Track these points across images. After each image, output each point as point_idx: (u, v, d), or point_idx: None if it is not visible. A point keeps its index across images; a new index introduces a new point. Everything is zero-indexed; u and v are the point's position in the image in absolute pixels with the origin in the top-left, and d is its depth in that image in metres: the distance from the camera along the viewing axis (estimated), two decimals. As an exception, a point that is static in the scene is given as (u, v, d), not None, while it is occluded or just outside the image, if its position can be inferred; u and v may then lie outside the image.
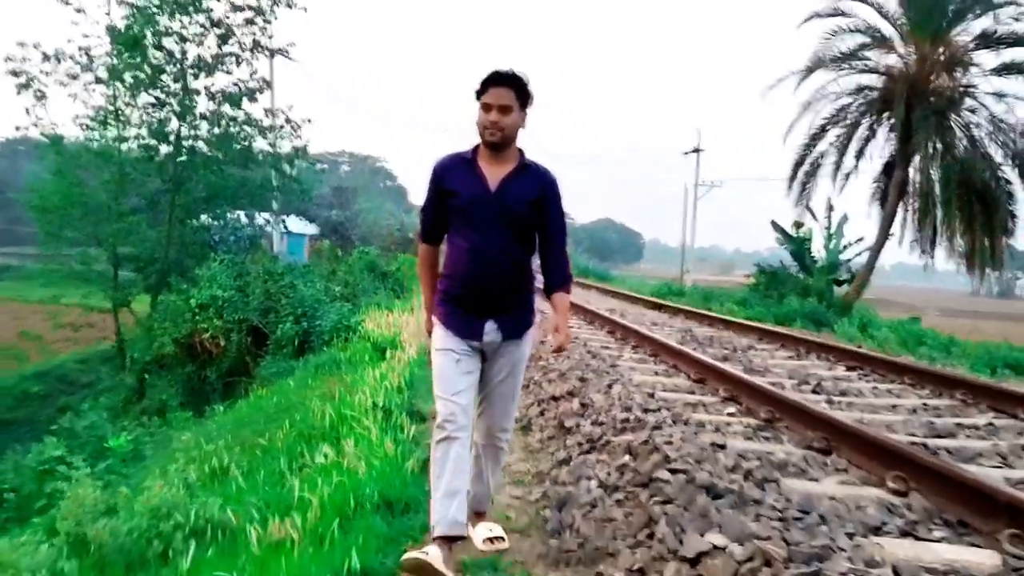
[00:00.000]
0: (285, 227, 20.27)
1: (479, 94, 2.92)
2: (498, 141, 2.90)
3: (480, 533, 3.15)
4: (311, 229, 42.48)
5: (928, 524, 3.15)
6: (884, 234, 20.17)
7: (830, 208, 21.55)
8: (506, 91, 2.88)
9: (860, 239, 21.64)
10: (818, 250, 22.12)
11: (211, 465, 5.09)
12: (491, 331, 2.99)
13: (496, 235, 2.92)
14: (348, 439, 4.59)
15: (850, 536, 2.89)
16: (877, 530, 3.03)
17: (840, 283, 21.32)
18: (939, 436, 4.95)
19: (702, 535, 2.87)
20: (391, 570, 3.17)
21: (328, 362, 9.82)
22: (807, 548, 2.61)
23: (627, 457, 4.07)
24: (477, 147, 3.00)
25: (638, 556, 2.98)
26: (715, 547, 2.76)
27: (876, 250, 20.27)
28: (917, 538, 2.98)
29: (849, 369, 7.96)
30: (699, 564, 2.73)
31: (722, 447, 4.16)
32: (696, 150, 46.15)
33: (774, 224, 22.02)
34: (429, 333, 3.16)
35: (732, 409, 5.42)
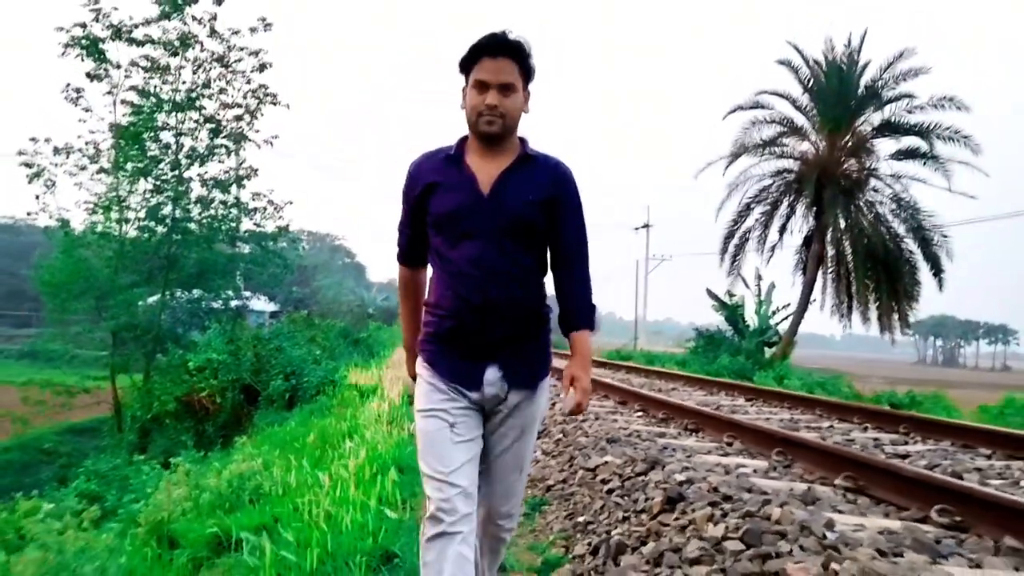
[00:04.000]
0: (271, 300, 22.04)
1: (467, 66, 2.22)
2: (498, 132, 2.21)
3: None
4: (271, 307, 43.83)
5: (739, 455, 5.16)
6: (805, 301, 22.58)
7: (759, 278, 23.96)
8: (508, 63, 2.18)
9: (787, 305, 24.02)
10: (750, 316, 24.43)
11: (256, 464, 6.88)
12: (494, 379, 2.26)
13: (494, 249, 2.21)
14: (367, 431, 6.47)
15: (687, 456, 4.87)
16: (705, 454, 5.02)
17: (770, 345, 23.59)
18: (783, 430, 6.96)
19: (600, 458, 4.83)
20: (404, 499, 5.03)
21: (321, 408, 11.61)
22: (656, 455, 4.59)
23: (560, 435, 6.03)
24: (463, 140, 2.31)
25: (562, 475, 4.93)
26: (606, 462, 4.72)
27: (798, 315, 22.63)
28: (725, 457, 4.98)
29: (747, 400, 10.01)
30: (596, 470, 4.68)
31: (625, 428, 6.15)
32: (646, 226, 49.18)
33: (709, 292, 24.35)
34: (414, 378, 2.45)
35: (640, 414, 7.43)
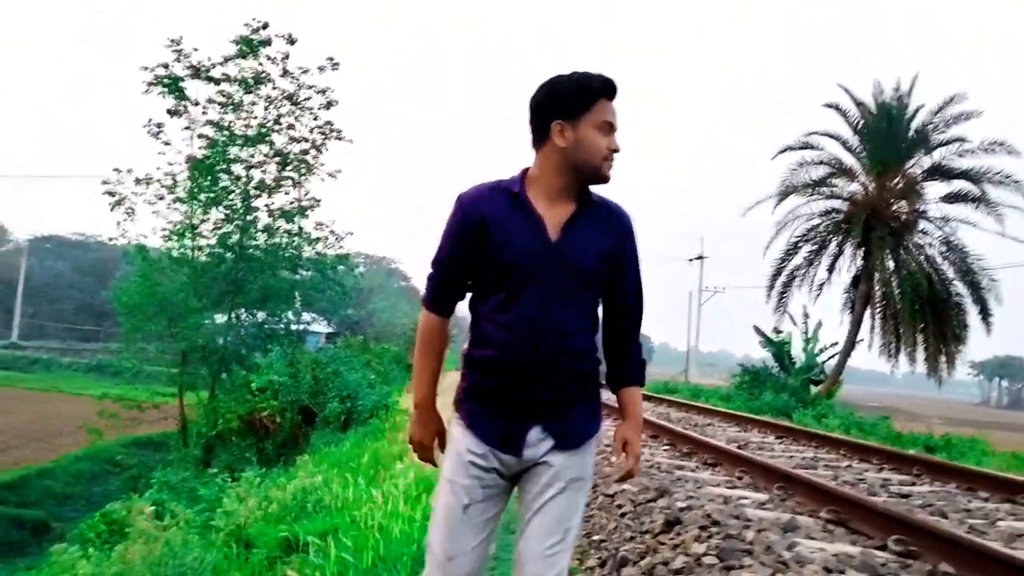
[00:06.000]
0: (328, 322, 23.08)
1: (581, 106, 2.09)
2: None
3: None
4: (327, 328, 44.98)
5: (745, 488, 5.74)
6: (852, 340, 22.75)
7: (806, 316, 24.15)
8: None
9: (834, 343, 24.15)
10: (797, 353, 24.59)
11: (317, 480, 7.64)
12: (536, 440, 2.09)
13: (554, 302, 2.07)
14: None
15: (697, 487, 5.48)
16: (714, 486, 5.61)
17: (816, 383, 23.74)
18: (802, 468, 7.48)
19: (619, 486, 5.46)
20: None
21: (374, 431, 12.38)
22: (666, 485, 5.20)
23: (590, 465, 6.67)
24: (523, 175, 2.16)
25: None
26: (623, 489, 5.35)
27: (845, 354, 22.80)
28: (731, 489, 5.57)
29: (777, 438, 10.48)
30: (614, 496, 5.32)
31: (648, 461, 6.76)
32: (700, 257, 49.42)
33: (756, 329, 24.61)
34: (422, 447, 2.26)
35: (667, 448, 8.02)
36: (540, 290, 2.05)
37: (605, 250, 2.12)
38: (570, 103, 2.08)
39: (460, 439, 2.12)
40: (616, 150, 2.10)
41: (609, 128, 2.09)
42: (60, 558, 5.04)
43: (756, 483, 5.88)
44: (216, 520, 6.29)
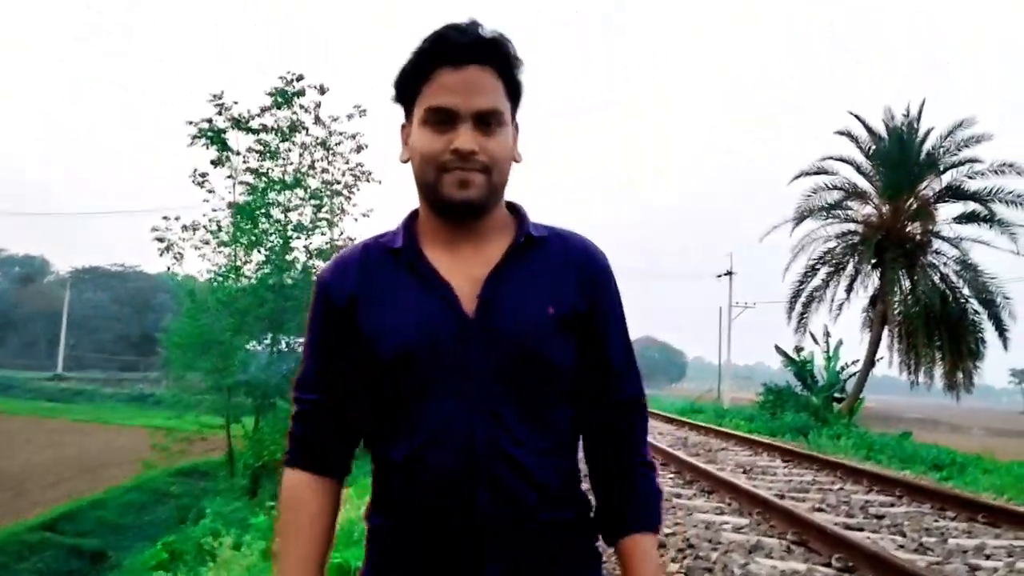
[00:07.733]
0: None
1: (413, 87, 1.25)
2: (478, 199, 1.22)
3: None
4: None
5: (731, 514, 6.60)
6: (870, 358, 23.38)
7: (827, 335, 24.79)
8: (485, 75, 1.21)
9: (856, 361, 24.73)
10: (820, 371, 25.21)
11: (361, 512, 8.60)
12: None
13: (490, 415, 1.20)
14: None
15: (687, 514, 6.36)
16: (703, 512, 6.49)
17: (839, 400, 24.34)
18: (795, 491, 8.31)
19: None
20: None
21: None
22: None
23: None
24: (412, 219, 1.32)
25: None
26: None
27: (865, 372, 23.42)
28: (717, 515, 6.44)
29: (784, 461, 11.27)
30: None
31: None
32: (729, 273, 49.96)
33: (777, 348, 25.30)
34: None
35: (673, 475, 8.90)
36: (456, 396, 1.20)
37: (562, 313, 1.25)
38: (405, 86, 1.28)
39: None
40: (459, 151, 1.19)
41: (445, 118, 1.20)
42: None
43: (741, 508, 6.74)
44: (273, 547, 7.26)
